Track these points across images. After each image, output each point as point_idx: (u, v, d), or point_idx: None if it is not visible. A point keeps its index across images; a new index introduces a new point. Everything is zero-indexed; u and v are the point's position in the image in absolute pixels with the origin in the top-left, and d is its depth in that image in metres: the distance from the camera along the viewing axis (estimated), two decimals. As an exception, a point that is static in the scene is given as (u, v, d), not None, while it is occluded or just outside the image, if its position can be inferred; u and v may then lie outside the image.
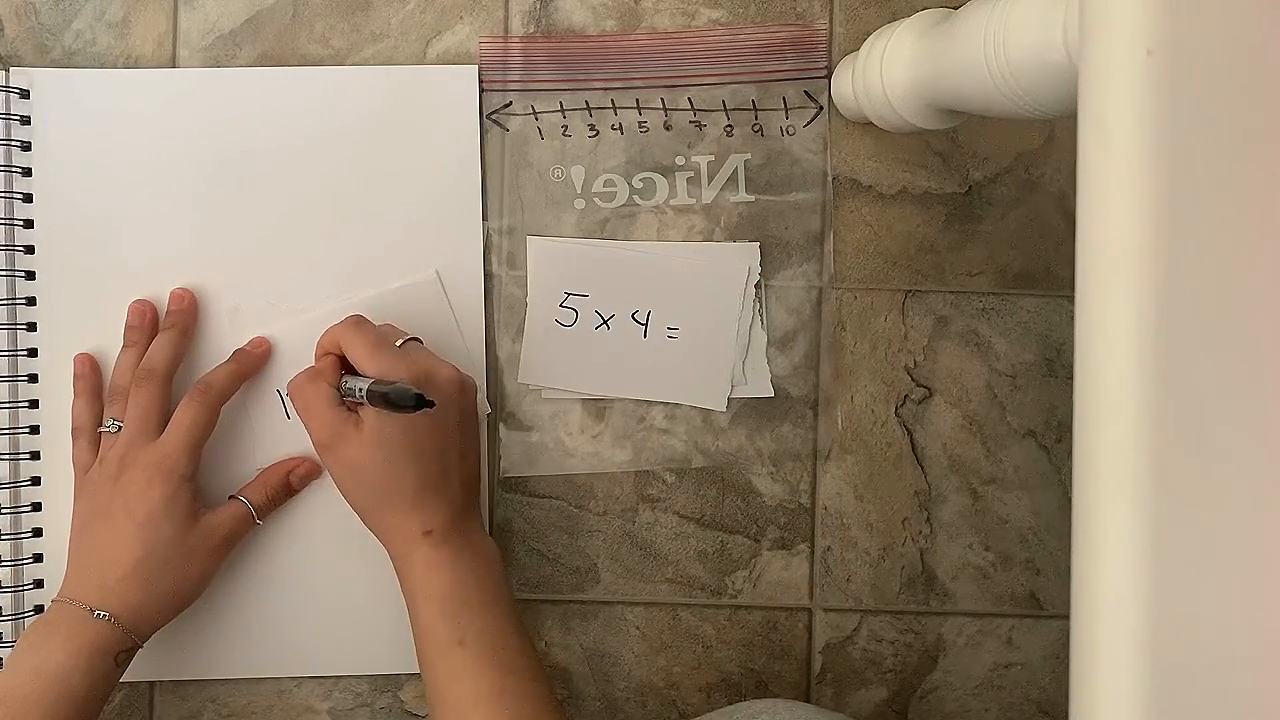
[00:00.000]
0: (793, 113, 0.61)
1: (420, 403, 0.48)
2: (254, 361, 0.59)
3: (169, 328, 0.58)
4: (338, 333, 0.54)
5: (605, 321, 0.60)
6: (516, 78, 0.61)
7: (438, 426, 0.53)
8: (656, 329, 0.60)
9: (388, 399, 0.49)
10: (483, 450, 0.60)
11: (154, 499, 0.53)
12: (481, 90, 0.60)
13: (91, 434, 0.57)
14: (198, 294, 0.59)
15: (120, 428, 0.55)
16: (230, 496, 0.58)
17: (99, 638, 0.51)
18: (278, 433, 0.59)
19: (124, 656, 0.53)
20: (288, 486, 0.59)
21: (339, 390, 0.53)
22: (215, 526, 0.56)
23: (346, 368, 0.54)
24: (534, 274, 0.61)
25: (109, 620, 0.52)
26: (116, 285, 0.59)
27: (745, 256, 0.61)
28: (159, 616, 0.54)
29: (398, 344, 0.53)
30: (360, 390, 0.52)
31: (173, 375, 0.57)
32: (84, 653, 0.51)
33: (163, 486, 0.53)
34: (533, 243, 0.61)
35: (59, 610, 0.53)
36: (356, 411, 0.53)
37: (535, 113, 0.61)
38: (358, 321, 0.55)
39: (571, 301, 0.60)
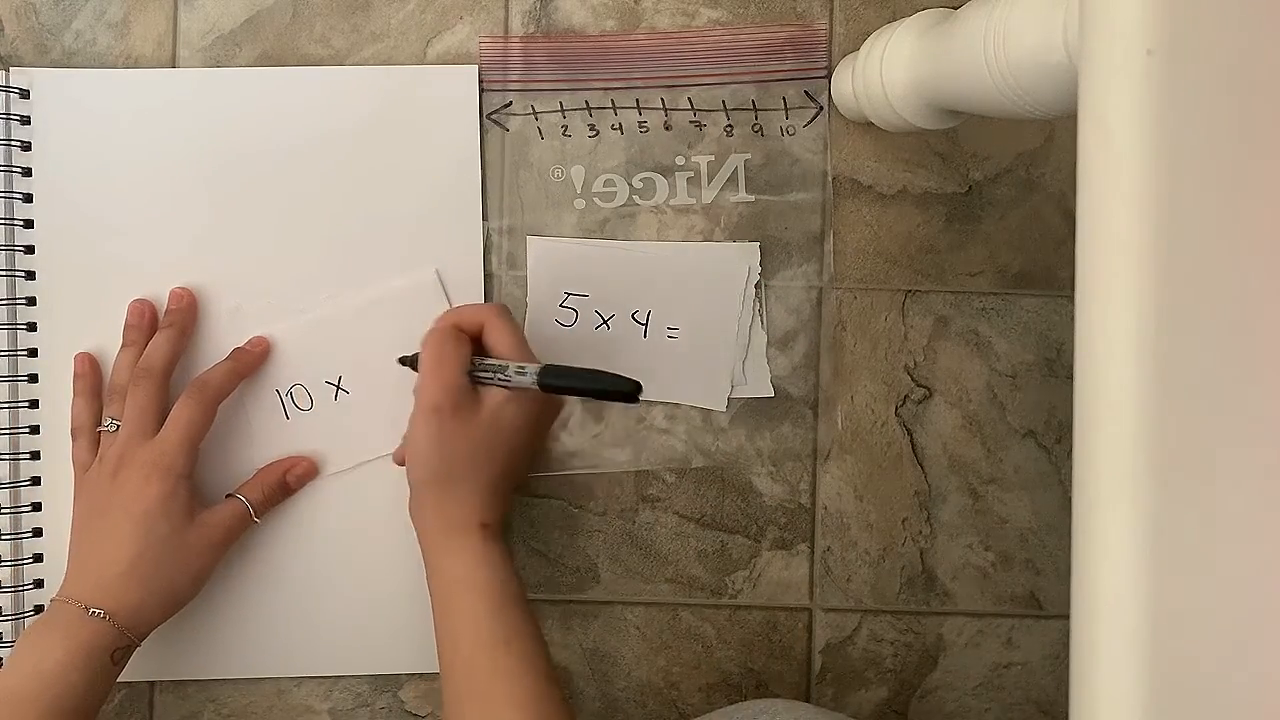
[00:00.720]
0: (793, 113, 0.61)
1: (637, 390, 0.49)
2: (252, 360, 0.59)
3: (167, 327, 0.58)
4: (483, 313, 0.54)
5: (605, 321, 0.60)
6: (516, 78, 0.61)
7: (540, 429, 0.54)
8: (656, 329, 0.60)
9: (594, 384, 0.50)
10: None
11: (150, 497, 0.53)
12: (481, 90, 0.60)
13: (91, 433, 0.57)
14: (198, 294, 0.59)
15: (119, 427, 0.55)
16: (227, 495, 0.58)
17: (95, 636, 0.51)
18: (276, 432, 0.59)
19: (121, 654, 0.53)
20: (285, 485, 0.59)
21: (475, 365, 0.52)
22: (212, 525, 0.56)
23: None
24: (534, 274, 0.61)
25: (104, 618, 0.52)
26: (116, 285, 0.59)
27: (745, 256, 0.61)
28: (155, 615, 0.54)
29: None
30: (524, 371, 0.51)
31: (170, 374, 0.57)
32: (81, 651, 0.51)
33: (159, 484, 0.53)
34: (533, 243, 0.61)
35: (56, 609, 0.53)
36: (477, 389, 0.52)
37: (535, 113, 0.61)
38: (506, 309, 0.55)
39: (571, 301, 0.60)
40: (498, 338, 0.53)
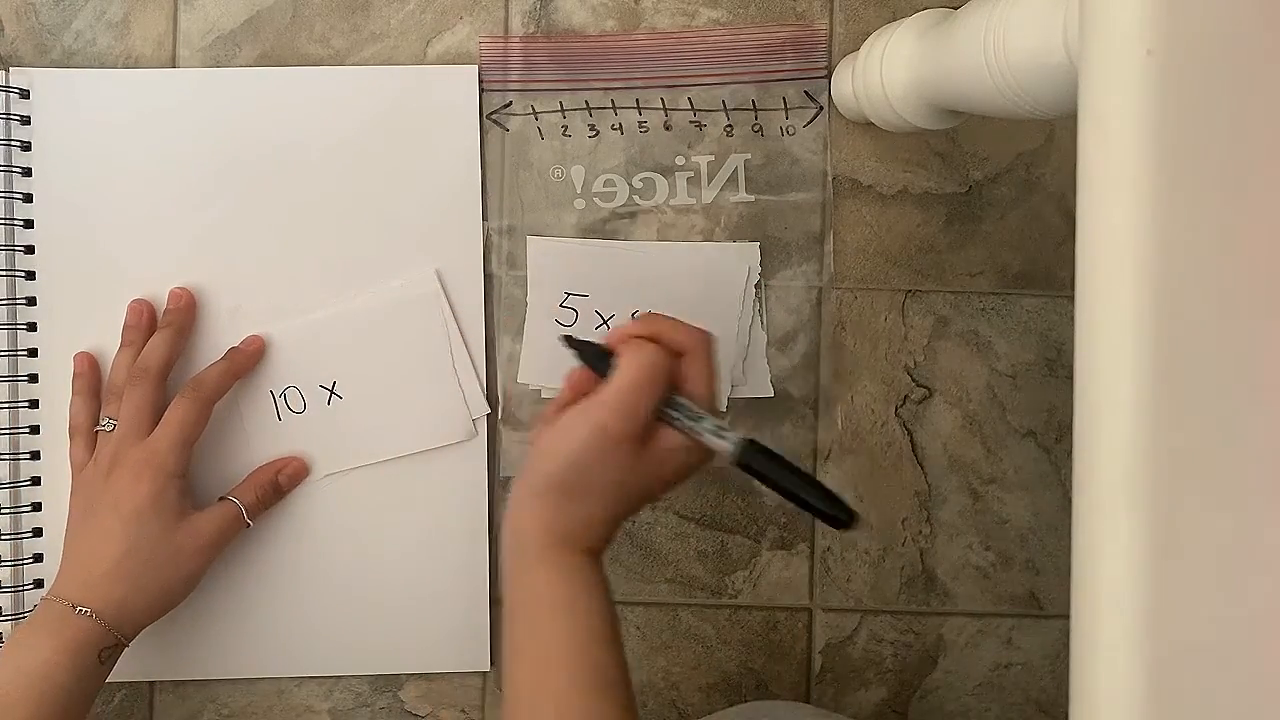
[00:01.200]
0: (793, 113, 0.61)
1: (852, 517, 0.43)
2: (247, 360, 0.59)
3: (165, 327, 0.58)
4: (693, 343, 0.47)
5: (605, 321, 0.60)
6: (516, 78, 0.61)
7: (685, 477, 0.48)
8: None
9: (806, 490, 0.43)
10: (497, 452, 0.60)
11: (140, 495, 0.53)
12: (481, 90, 0.60)
13: (88, 433, 0.57)
14: (197, 294, 0.59)
15: (115, 427, 0.55)
16: (220, 498, 0.58)
17: (80, 634, 0.51)
18: (270, 433, 0.59)
19: (108, 654, 0.52)
20: (277, 486, 0.59)
21: (674, 401, 0.46)
22: (203, 526, 0.55)
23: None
24: (534, 274, 0.61)
25: (90, 616, 0.52)
26: (116, 285, 0.59)
27: (745, 256, 0.61)
28: (143, 615, 0.54)
29: None
30: (724, 435, 0.45)
31: (167, 374, 0.57)
32: (67, 649, 0.51)
33: (150, 483, 0.53)
34: (533, 243, 0.61)
35: (44, 608, 0.53)
36: (659, 422, 0.46)
37: (535, 113, 0.61)
38: (713, 343, 0.48)
39: (571, 301, 0.60)
40: (696, 375, 0.46)
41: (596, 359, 0.47)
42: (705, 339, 0.47)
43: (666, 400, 0.45)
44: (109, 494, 0.54)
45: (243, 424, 0.59)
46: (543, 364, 0.61)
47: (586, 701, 0.42)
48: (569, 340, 0.49)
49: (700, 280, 0.60)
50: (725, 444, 0.45)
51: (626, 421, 0.44)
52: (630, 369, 0.45)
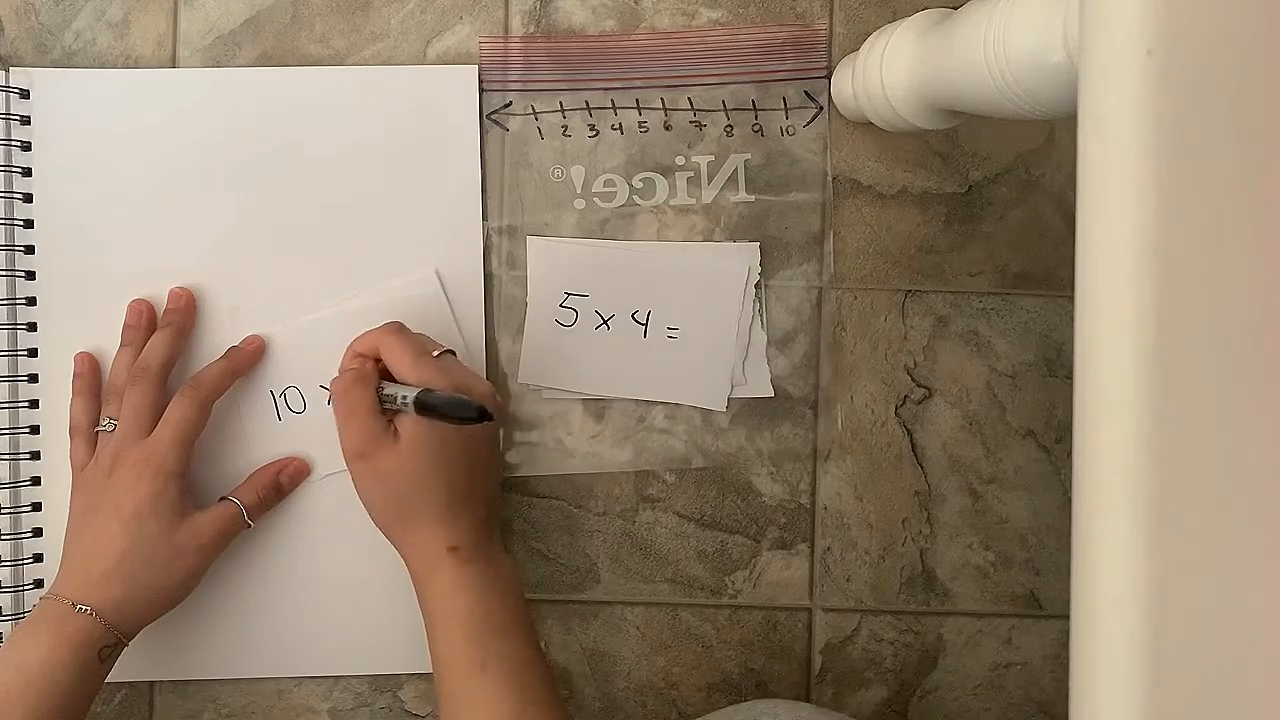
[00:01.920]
0: (793, 113, 0.61)
1: (483, 415, 0.48)
2: (246, 359, 0.59)
3: (165, 326, 0.58)
4: (377, 338, 0.54)
5: (605, 321, 0.60)
6: (516, 78, 0.61)
7: (470, 440, 0.53)
8: (656, 329, 0.60)
9: (448, 410, 0.49)
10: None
11: (141, 495, 0.53)
12: (481, 90, 0.60)
13: (88, 433, 0.57)
14: (197, 294, 0.59)
15: (116, 426, 0.55)
16: (220, 498, 0.58)
17: (80, 632, 0.51)
18: (270, 433, 0.59)
19: (108, 652, 0.52)
20: (278, 487, 0.59)
21: (379, 396, 0.53)
22: (204, 526, 0.55)
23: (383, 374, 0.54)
24: (534, 274, 0.61)
25: (90, 614, 0.52)
26: (116, 285, 0.59)
27: (745, 256, 0.61)
28: (143, 614, 0.54)
29: (434, 355, 0.53)
30: (406, 399, 0.51)
31: (168, 374, 0.57)
32: (66, 648, 0.51)
33: (150, 483, 0.53)
34: (533, 243, 0.61)
35: (43, 606, 0.53)
36: (392, 420, 0.52)
37: (535, 113, 0.61)
38: (399, 328, 0.54)
39: (571, 301, 0.60)
40: (394, 361, 0.53)
41: (457, 408, 0.51)
42: (388, 329, 0.54)
43: (379, 392, 0.52)
44: (110, 494, 0.54)
45: (243, 424, 0.59)
46: (543, 364, 0.61)
47: (467, 686, 0.49)
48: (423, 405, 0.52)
49: (700, 280, 0.61)
50: (408, 407, 0.51)
51: (362, 438, 0.52)
52: (335, 402, 0.53)
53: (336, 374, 0.55)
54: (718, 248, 0.61)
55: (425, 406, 0.50)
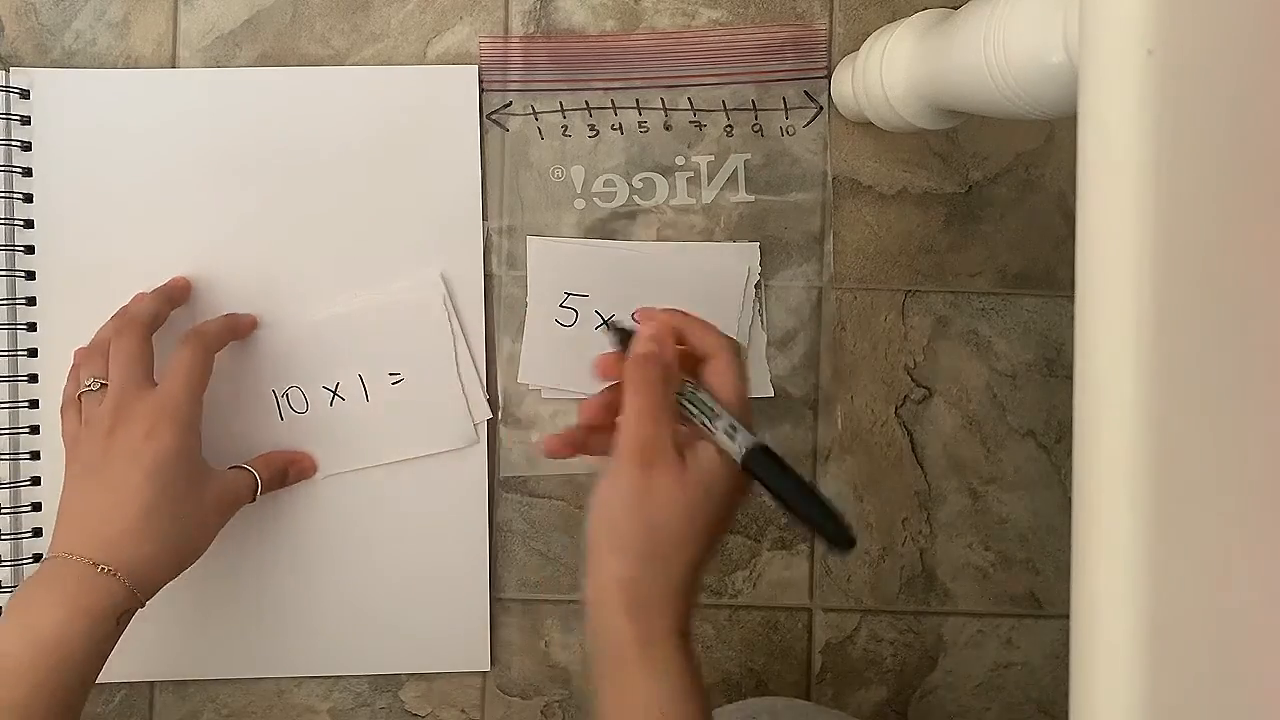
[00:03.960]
0: (793, 113, 0.61)
1: (850, 542, 0.40)
2: (246, 325, 0.57)
3: (157, 291, 0.56)
4: (718, 347, 0.44)
5: (605, 321, 0.60)
6: (516, 78, 0.61)
7: (736, 502, 0.43)
8: None
9: (811, 515, 0.41)
10: (497, 452, 0.60)
11: (163, 446, 0.49)
12: (481, 90, 0.60)
13: (77, 403, 0.53)
14: (197, 293, 0.59)
15: (102, 385, 0.51)
16: (232, 466, 0.55)
17: (102, 597, 0.46)
18: (272, 433, 0.59)
19: (127, 618, 0.48)
20: (285, 474, 0.58)
21: (689, 403, 0.43)
22: (228, 484, 0.52)
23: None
24: (534, 274, 0.61)
25: (114, 575, 0.47)
26: (116, 285, 0.59)
27: (745, 256, 0.61)
28: (167, 572, 0.50)
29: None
30: (738, 440, 0.42)
31: (153, 329, 0.54)
32: (84, 614, 0.46)
33: (171, 434, 0.49)
34: (533, 243, 0.61)
35: (54, 567, 0.47)
36: (686, 439, 0.43)
37: (535, 113, 0.61)
38: (742, 350, 0.45)
39: (571, 301, 0.60)
40: (721, 378, 0.44)
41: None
42: (733, 345, 0.45)
43: (682, 392, 0.43)
44: (118, 448, 0.49)
45: (244, 423, 0.59)
46: (543, 364, 0.61)
47: None
48: (610, 326, 0.47)
49: (700, 280, 0.60)
50: (734, 445, 0.42)
51: (654, 439, 0.42)
52: (632, 366, 0.43)
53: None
54: (718, 248, 0.61)
55: (764, 465, 0.41)
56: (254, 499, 0.56)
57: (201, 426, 0.54)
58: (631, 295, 0.60)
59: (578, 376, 0.60)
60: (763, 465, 0.42)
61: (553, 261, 0.61)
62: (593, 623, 0.42)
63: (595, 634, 0.42)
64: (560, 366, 0.61)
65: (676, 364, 0.44)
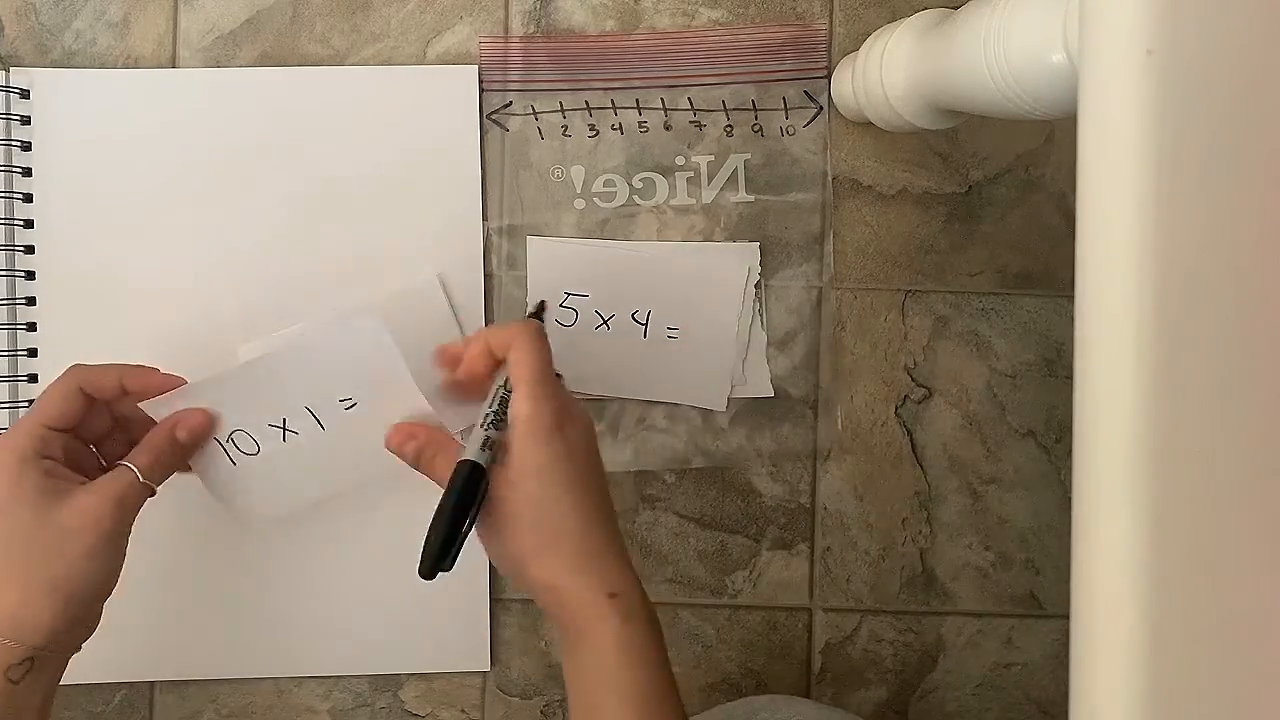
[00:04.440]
0: (793, 113, 0.61)
1: (425, 573, 0.42)
2: (145, 386, 0.50)
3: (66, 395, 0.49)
4: (521, 336, 0.46)
5: (605, 321, 0.60)
6: (516, 78, 0.61)
7: (597, 462, 0.46)
8: (656, 329, 0.60)
9: (434, 534, 0.43)
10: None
11: None
12: (481, 90, 0.60)
13: None
14: (197, 293, 0.59)
15: None
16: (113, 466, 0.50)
17: None
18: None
19: (20, 670, 0.44)
20: (175, 444, 0.50)
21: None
22: (92, 501, 0.47)
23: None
24: (533, 274, 0.61)
25: None
26: (116, 285, 0.59)
27: (745, 256, 0.61)
28: (52, 615, 0.45)
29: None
30: (470, 447, 0.44)
31: (61, 422, 0.48)
32: None
33: (4, 471, 0.46)
34: (533, 243, 0.61)
35: None
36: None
37: (535, 113, 0.61)
38: (526, 324, 0.47)
39: (571, 301, 0.60)
40: (525, 360, 0.45)
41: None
42: (524, 327, 0.47)
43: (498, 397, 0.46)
44: None
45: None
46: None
47: None
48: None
49: (700, 280, 0.61)
50: (472, 448, 0.44)
51: (553, 401, 0.44)
52: (519, 348, 0.45)
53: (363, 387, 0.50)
54: (718, 248, 0.61)
55: (447, 495, 0.43)
56: (152, 492, 0.49)
57: (80, 418, 0.49)
58: (631, 295, 0.60)
59: (578, 376, 0.61)
60: (455, 477, 0.43)
61: (553, 261, 0.61)
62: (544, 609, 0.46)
63: (548, 598, 0.45)
64: (560, 367, 0.60)
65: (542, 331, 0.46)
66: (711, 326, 0.60)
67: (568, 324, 0.60)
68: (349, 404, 0.53)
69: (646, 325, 0.60)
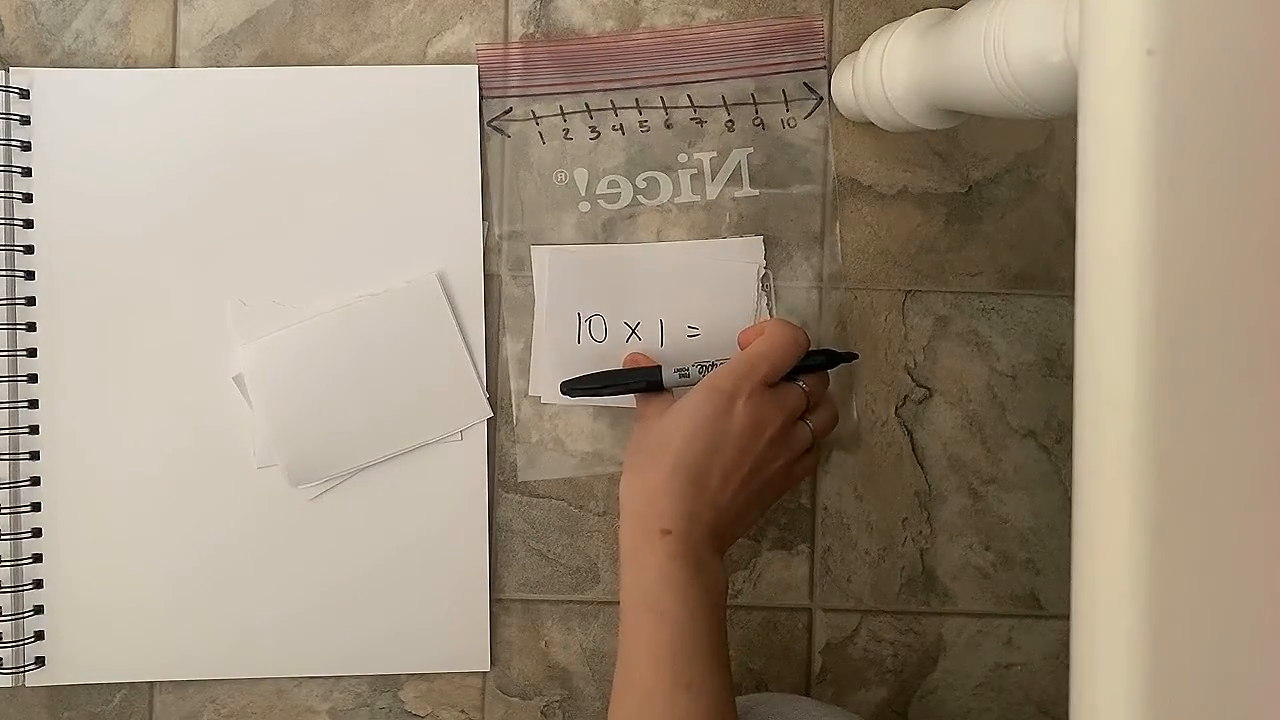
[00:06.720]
0: (793, 105, 0.61)
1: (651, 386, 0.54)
2: None
3: None
4: (770, 331, 0.52)
5: (634, 331, 0.60)
6: (516, 82, 0.61)
7: (760, 423, 0.50)
8: (678, 330, 0.60)
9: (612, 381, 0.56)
10: (497, 452, 0.60)
11: None
12: (481, 98, 0.60)
13: None
14: (196, 293, 0.59)
15: None
16: None
17: None
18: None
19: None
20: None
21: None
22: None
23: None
24: (539, 286, 0.60)
25: None
26: (116, 286, 0.59)
27: (751, 251, 0.60)
28: None
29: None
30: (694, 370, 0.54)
31: None
32: None
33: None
34: (538, 252, 0.60)
35: None
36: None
37: (535, 117, 0.61)
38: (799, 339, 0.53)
39: (582, 313, 0.60)
40: (780, 356, 0.52)
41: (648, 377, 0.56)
42: (794, 337, 0.53)
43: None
44: None
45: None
46: (553, 378, 0.60)
47: (671, 703, 0.44)
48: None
49: (711, 278, 0.60)
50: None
51: (740, 381, 0.50)
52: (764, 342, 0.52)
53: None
54: (724, 244, 0.61)
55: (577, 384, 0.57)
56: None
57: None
58: (643, 298, 0.60)
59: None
60: (642, 366, 0.57)
61: (560, 272, 0.60)
62: (636, 510, 0.49)
63: (637, 524, 0.48)
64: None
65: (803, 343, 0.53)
66: (728, 323, 0.60)
67: (577, 336, 0.60)
68: (397, 378, 0.58)
69: (663, 331, 0.60)
